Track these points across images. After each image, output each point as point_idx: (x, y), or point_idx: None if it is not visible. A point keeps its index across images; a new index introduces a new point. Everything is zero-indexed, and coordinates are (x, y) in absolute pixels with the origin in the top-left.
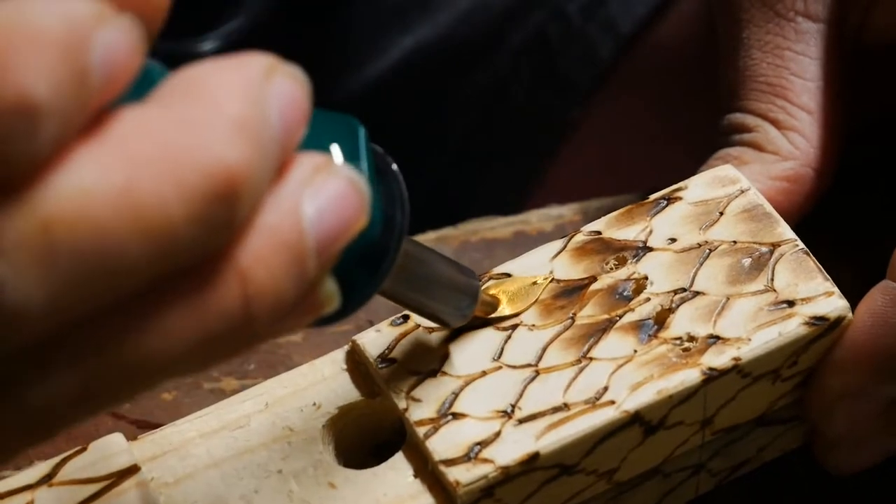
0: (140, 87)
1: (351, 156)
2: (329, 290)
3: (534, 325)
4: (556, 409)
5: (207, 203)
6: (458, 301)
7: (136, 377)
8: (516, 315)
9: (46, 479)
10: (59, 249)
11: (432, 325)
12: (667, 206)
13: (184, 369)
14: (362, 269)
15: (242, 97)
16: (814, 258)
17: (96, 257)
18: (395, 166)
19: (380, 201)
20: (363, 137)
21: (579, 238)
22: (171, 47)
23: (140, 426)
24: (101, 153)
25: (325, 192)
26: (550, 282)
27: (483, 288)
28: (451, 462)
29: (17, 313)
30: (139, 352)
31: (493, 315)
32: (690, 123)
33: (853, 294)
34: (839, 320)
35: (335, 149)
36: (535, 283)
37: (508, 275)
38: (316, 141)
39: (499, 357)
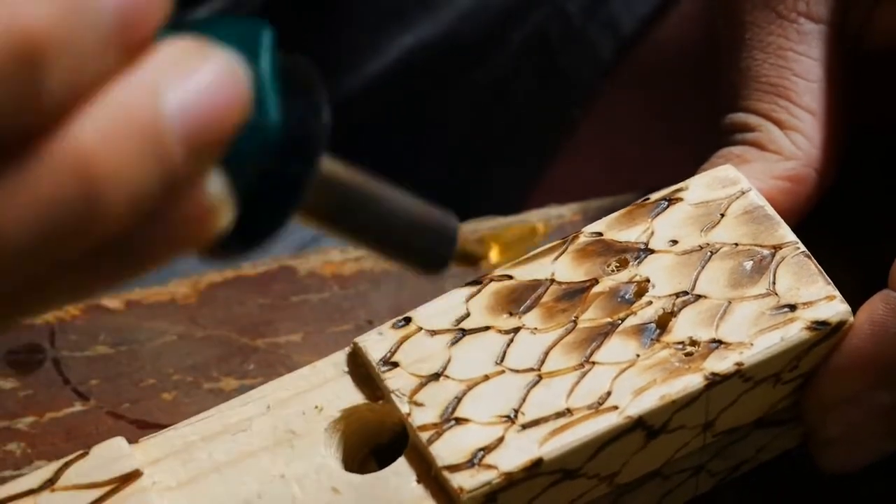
0: None
1: (243, 50)
2: (215, 192)
3: (536, 329)
4: (559, 415)
5: (4, 62)
6: (429, 243)
7: None
8: (504, 264)
9: (48, 484)
10: None
11: (435, 327)
12: (668, 206)
13: (54, 275)
14: (271, 185)
15: None
16: (815, 261)
17: None
18: (319, 84)
19: (279, 105)
20: (266, 37)
21: (581, 239)
22: None
23: (140, 426)
24: None
25: (193, 75)
26: (550, 228)
27: (475, 237)
28: (454, 468)
29: None
30: None
31: (478, 265)
32: (691, 123)
33: (852, 297)
34: (840, 325)
35: (215, 38)
36: (534, 230)
37: (511, 277)
38: (205, 32)
39: (501, 361)
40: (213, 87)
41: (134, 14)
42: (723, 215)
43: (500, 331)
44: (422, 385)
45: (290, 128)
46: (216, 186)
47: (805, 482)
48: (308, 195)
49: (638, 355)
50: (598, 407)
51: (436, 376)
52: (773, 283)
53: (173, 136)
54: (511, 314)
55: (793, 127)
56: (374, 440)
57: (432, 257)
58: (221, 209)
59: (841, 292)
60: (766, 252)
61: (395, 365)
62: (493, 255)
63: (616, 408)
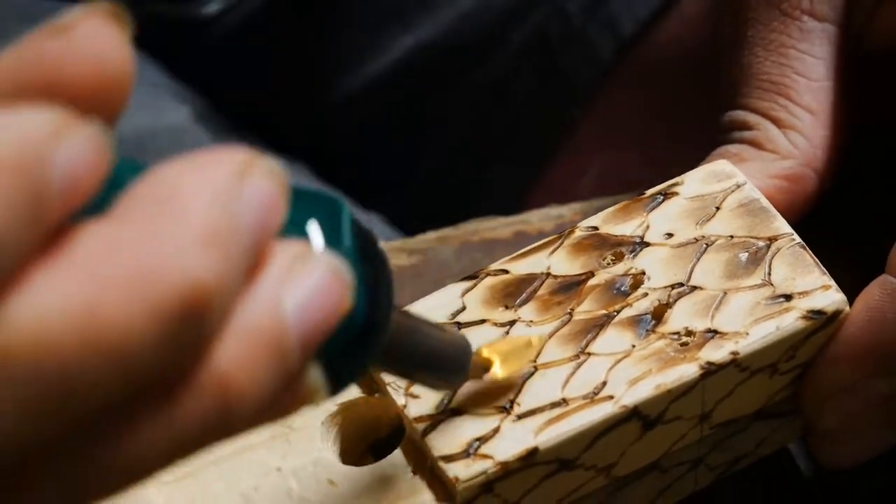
0: (109, 189)
1: (333, 238)
2: (314, 381)
3: (532, 321)
4: (554, 405)
5: (174, 322)
6: (450, 368)
7: (110, 484)
8: (510, 379)
9: None
10: (18, 380)
11: (431, 321)
12: (663, 201)
13: (159, 468)
14: (346, 355)
15: (212, 205)
16: (810, 252)
17: (58, 385)
18: (381, 245)
19: (364, 284)
20: (346, 217)
21: (577, 234)
22: (175, 11)
23: None
24: (61, 274)
25: (306, 284)
26: (545, 342)
27: (475, 350)
28: (450, 458)
29: None
30: (113, 463)
31: (486, 377)
32: (691, 124)
33: (852, 297)
34: (836, 314)
35: (315, 233)
36: (529, 343)
37: (506, 271)
38: (295, 222)
39: None
40: (322, 292)
41: (266, 234)
42: (718, 208)
43: (495, 324)
44: None
45: (369, 302)
46: (315, 375)
47: (805, 478)
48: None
49: (633, 346)
50: (593, 397)
51: None
52: (769, 273)
53: (294, 343)
54: (507, 307)
55: (791, 126)
56: (372, 435)
57: (456, 375)
58: (318, 393)
59: (840, 288)
60: (761, 243)
61: None
62: (497, 368)
63: (611, 397)
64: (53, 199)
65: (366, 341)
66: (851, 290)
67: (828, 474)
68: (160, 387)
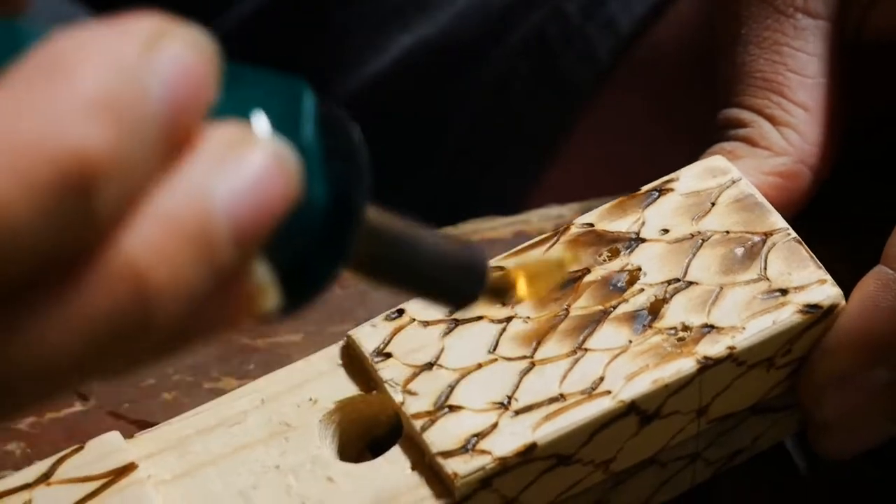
0: (6, 52)
1: (286, 125)
2: (260, 280)
3: (528, 317)
4: (552, 400)
5: (55, 196)
6: (462, 281)
7: (21, 386)
8: (533, 298)
9: (44, 479)
10: None
11: (428, 318)
12: (659, 197)
13: (80, 367)
14: (315, 255)
15: (110, 71)
16: (806, 246)
17: None
18: (357, 137)
19: (324, 176)
20: (308, 103)
21: (572, 230)
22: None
23: (140, 426)
24: None
25: (241, 170)
26: (575, 259)
27: (503, 273)
28: (448, 454)
29: None
30: (21, 357)
31: (507, 300)
32: (690, 123)
33: (849, 288)
34: (832, 308)
35: (259, 117)
36: (560, 263)
37: (502, 268)
38: (239, 107)
39: (494, 349)
40: (261, 181)
41: (183, 112)
42: (713, 204)
43: (492, 320)
44: (415, 374)
45: (335, 196)
46: (261, 273)
47: (801, 473)
48: (351, 254)
49: (630, 341)
50: (591, 392)
51: (429, 366)
52: (765, 268)
53: (224, 235)
54: (503, 304)
55: (785, 123)
56: (370, 433)
57: (463, 294)
58: (267, 293)
59: (837, 283)
60: (756, 238)
61: (389, 356)
62: (521, 289)
63: (609, 392)
64: None
65: (328, 240)
66: (847, 282)
67: (824, 470)
68: (59, 270)
